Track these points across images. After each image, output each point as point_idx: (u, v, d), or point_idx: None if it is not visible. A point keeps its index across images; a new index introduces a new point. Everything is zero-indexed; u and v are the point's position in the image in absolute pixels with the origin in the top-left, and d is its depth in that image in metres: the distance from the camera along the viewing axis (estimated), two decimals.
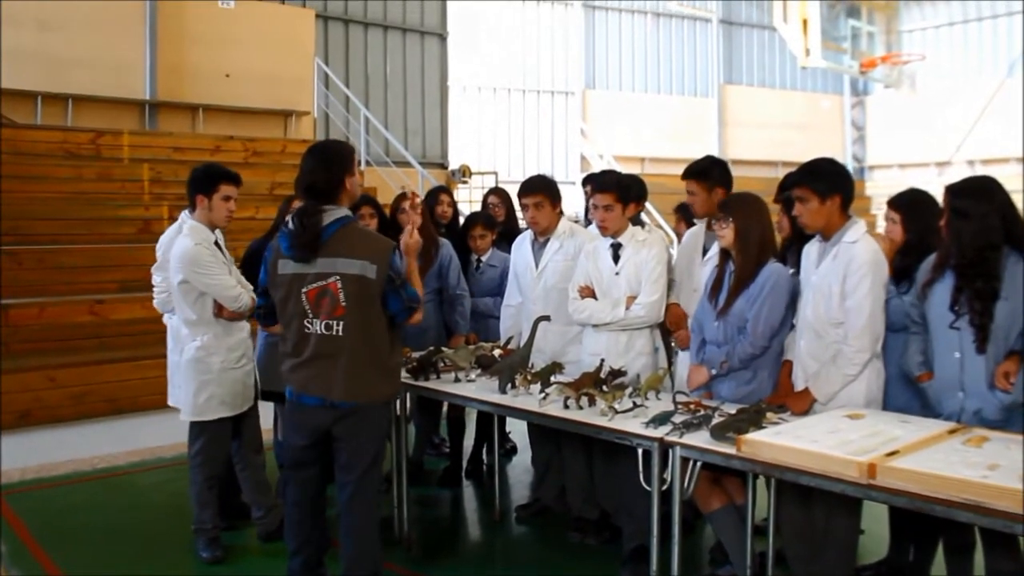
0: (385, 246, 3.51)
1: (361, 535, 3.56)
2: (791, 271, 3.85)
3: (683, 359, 4.32)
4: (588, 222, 5.28)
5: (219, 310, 4.32)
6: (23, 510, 5.12)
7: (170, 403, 4.57)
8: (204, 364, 4.32)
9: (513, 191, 5.61)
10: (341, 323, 3.44)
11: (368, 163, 12.93)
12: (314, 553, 3.68)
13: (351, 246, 3.44)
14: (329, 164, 3.53)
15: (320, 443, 3.56)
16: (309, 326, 3.47)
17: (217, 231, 4.43)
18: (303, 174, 3.55)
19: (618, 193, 4.24)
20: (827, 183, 3.56)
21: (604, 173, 4.57)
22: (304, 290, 3.46)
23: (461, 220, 6.10)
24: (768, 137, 20.36)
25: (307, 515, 3.65)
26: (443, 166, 15.23)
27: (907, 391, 3.62)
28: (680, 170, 4.52)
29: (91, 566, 4.38)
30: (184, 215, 4.50)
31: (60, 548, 4.57)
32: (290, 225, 3.48)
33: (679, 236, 5.35)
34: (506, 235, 5.70)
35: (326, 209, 3.46)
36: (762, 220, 3.78)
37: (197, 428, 4.41)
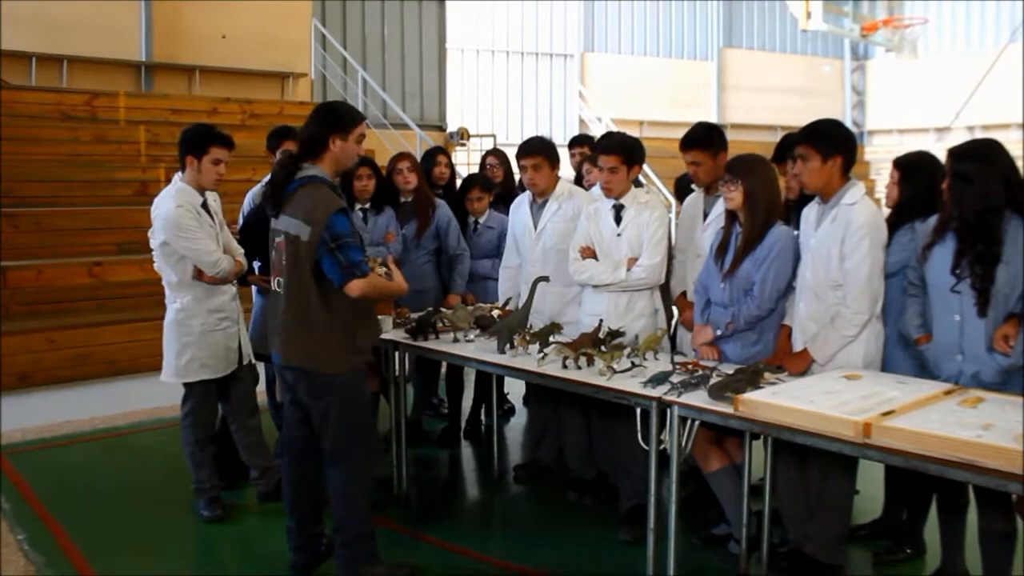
0: (324, 208, 3.37)
1: (343, 496, 3.61)
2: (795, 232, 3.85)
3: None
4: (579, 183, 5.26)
5: (199, 273, 4.30)
6: (25, 470, 5.15)
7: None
8: (185, 326, 4.32)
9: (511, 154, 5.58)
10: (283, 283, 3.51)
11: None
12: (310, 512, 3.72)
13: (297, 205, 3.42)
14: (319, 120, 3.52)
15: (302, 403, 3.63)
16: (274, 281, 3.59)
17: (211, 193, 4.41)
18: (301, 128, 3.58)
19: (624, 155, 4.22)
20: (830, 143, 3.55)
21: (607, 135, 4.54)
22: (274, 244, 3.56)
23: (458, 182, 6.08)
24: (768, 101, 20.22)
25: (301, 475, 3.71)
26: (441, 128, 15.14)
27: (904, 353, 3.63)
28: (679, 134, 4.47)
29: (93, 525, 4.42)
30: (177, 177, 4.50)
31: (63, 507, 4.61)
32: None
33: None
34: (503, 197, 5.69)
35: (302, 166, 3.47)
36: (770, 182, 3.76)
37: (186, 391, 4.43)
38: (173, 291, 4.35)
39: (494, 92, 18.03)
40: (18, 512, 4.55)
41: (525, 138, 4.89)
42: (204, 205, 4.34)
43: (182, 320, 4.33)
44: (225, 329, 4.41)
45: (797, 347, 3.68)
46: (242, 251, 4.54)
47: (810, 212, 3.73)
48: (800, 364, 3.58)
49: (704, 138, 4.26)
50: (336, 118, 3.53)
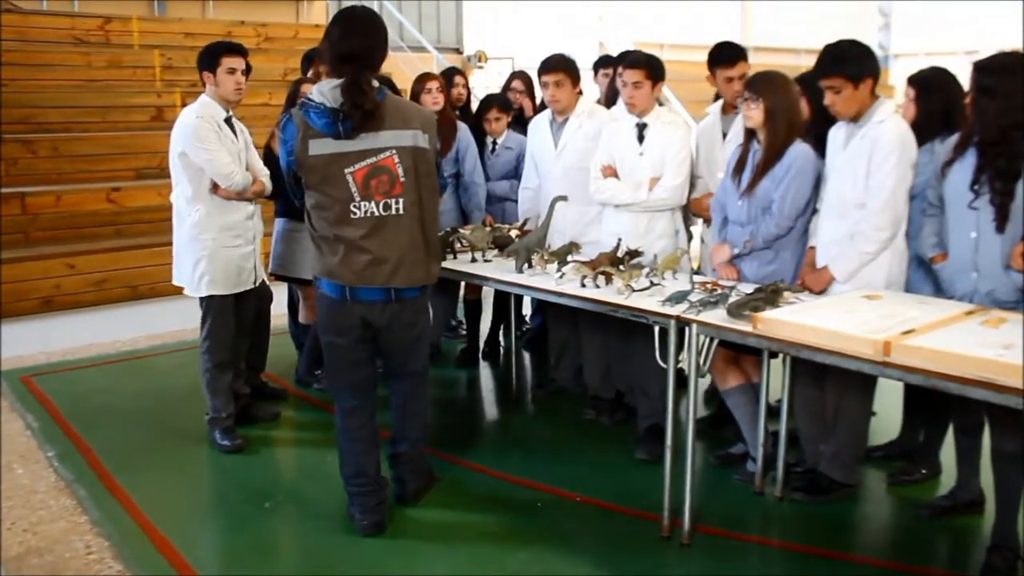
0: (431, 114, 3.50)
1: (425, 408, 3.83)
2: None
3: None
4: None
5: (214, 187, 4.30)
6: (51, 391, 5.25)
7: (174, 282, 4.52)
8: (198, 241, 4.32)
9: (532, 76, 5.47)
10: (400, 201, 3.27)
11: None
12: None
13: (397, 117, 3.26)
14: (373, 31, 3.27)
15: (377, 334, 3.45)
16: (356, 211, 3.23)
17: (234, 115, 4.40)
18: (340, 41, 3.21)
19: (648, 70, 4.14)
20: (858, 67, 3.45)
21: (630, 52, 4.46)
22: (349, 171, 3.21)
23: (474, 106, 6.00)
24: (792, 24, 19.73)
25: (372, 412, 3.62)
26: (458, 51, 14.91)
27: (923, 275, 3.59)
28: (701, 57, 4.41)
29: (119, 443, 4.50)
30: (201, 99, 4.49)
31: (89, 426, 4.70)
32: (319, 98, 3.16)
33: None
34: (521, 119, 5.64)
35: (375, 80, 3.26)
36: (790, 99, 3.69)
37: (203, 311, 4.41)
38: (188, 204, 4.32)
39: (513, 14, 17.67)
40: (46, 431, 4.65)
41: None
42: (228, 121, 4.33)
43: (195, 235, 4.32)
44: (239, 248, 4.39)
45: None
46: (267, 173, 4.53)
47: (838, 132, 3.65)
48: (820, 281, 3.56)
49: (744, 52, 4.30)
50: (383, 27, 3.32)
